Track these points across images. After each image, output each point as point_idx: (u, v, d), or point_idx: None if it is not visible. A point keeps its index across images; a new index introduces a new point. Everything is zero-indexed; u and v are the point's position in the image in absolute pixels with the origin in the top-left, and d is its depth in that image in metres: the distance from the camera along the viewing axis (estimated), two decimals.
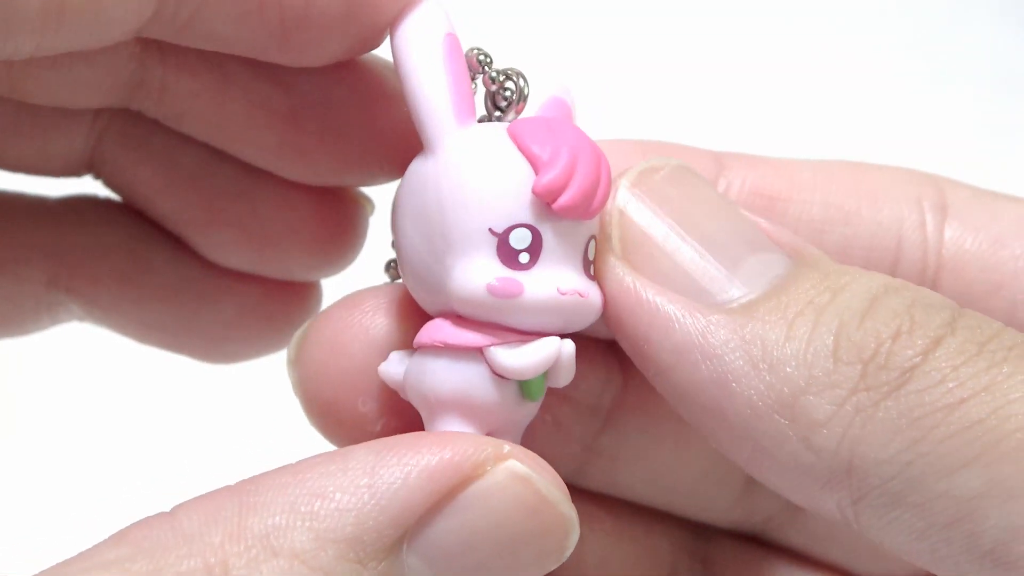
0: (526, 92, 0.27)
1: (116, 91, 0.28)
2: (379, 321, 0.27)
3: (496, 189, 0.25)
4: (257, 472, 0.23)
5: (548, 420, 0.29)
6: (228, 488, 0.23)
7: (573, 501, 0.24)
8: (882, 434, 0.21)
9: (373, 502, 0.22)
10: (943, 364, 0.22)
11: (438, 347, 0.25)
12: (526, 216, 0.25)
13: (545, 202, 0.24)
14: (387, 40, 0.26)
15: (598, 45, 0.68)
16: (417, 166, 0.26)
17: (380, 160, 0.29)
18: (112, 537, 0.22)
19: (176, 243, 0.31)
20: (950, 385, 0.21)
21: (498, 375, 0.25)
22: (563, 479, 0.24)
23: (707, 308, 0.23)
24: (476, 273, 0.24)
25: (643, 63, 0.67)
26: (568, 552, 0.24)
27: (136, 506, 0.24)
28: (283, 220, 0.30)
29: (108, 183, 0.31)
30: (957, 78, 0.68)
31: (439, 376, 0.25)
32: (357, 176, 0.29)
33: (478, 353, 0.25)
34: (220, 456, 0.53)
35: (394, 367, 0.26)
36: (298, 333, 0.27)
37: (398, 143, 0.28)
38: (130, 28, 0.24)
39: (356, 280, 0.30)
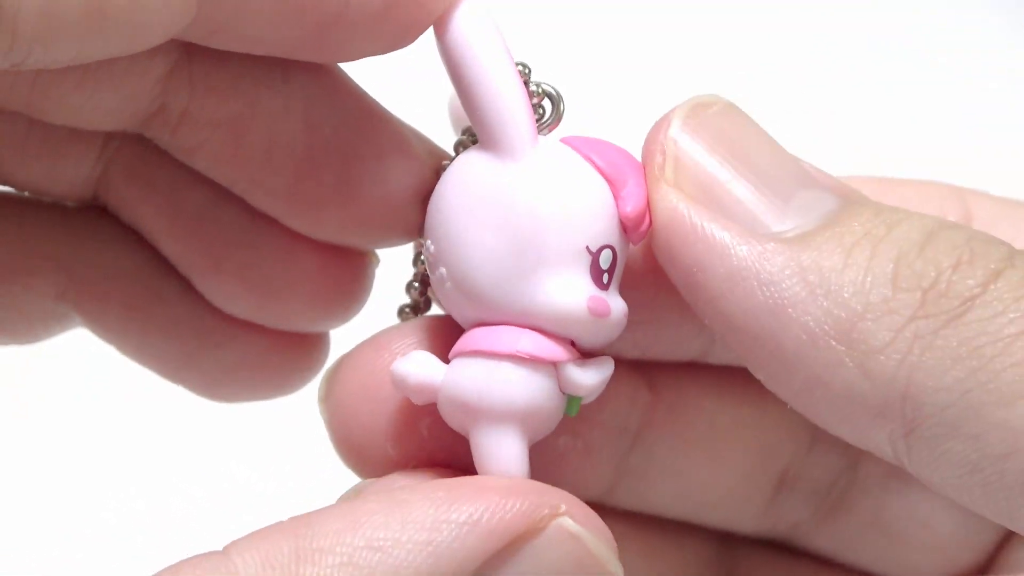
0: (563, 110, 0.27)
1: (134, 115, 0.27)
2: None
3: (593, 209, 0.25)
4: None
5: (580, 446, 0.29)
6: (281, 527, 0.22)
7: (604, 521, 0.24)
8: (941, 361, 0.21)
9: (432, 561, 0.22)
10: (1005, 295, 0.21)
11: (513, 357, 0.25)
12: (612, 237, 0.25)
13: (630, 226, 0.25)
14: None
15: (589, 45, 0.68)
16: (490, 172, 0.25)
17: (391, 224, 0.29)
18: (164, 574, 0.22)
19: (183, 279, 0.31)
20: (1012, 315, 0.21)
21: (559, 390, 0.25)
22: (594, 500, 0.24)
23: (762, 236, 0.23)
24: (575, 290, 0.25)
25: (642, 63, 0.67)
26: None
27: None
28: (286, 273, 0.30)
29: (114, 213, 0.31)
30: (957, 78, 0.69)
31: (515, 387, 0.25)
32: (363, 237, 0.29)
33: (552, 367, 0.25)
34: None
35: (424, 369, 0.25)
36: (327, 371, 0.28)
37: (412, 208, 0.28)
38: (171, 31, 0.23)
39: (362, 326, 0.30)
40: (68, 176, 0.29)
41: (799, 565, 0.31)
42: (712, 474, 0.30)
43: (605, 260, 0.25)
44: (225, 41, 0.25)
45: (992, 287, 0.22)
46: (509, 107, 0.25)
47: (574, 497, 0.24)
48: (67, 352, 0.51)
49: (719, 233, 0.23)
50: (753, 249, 0.23)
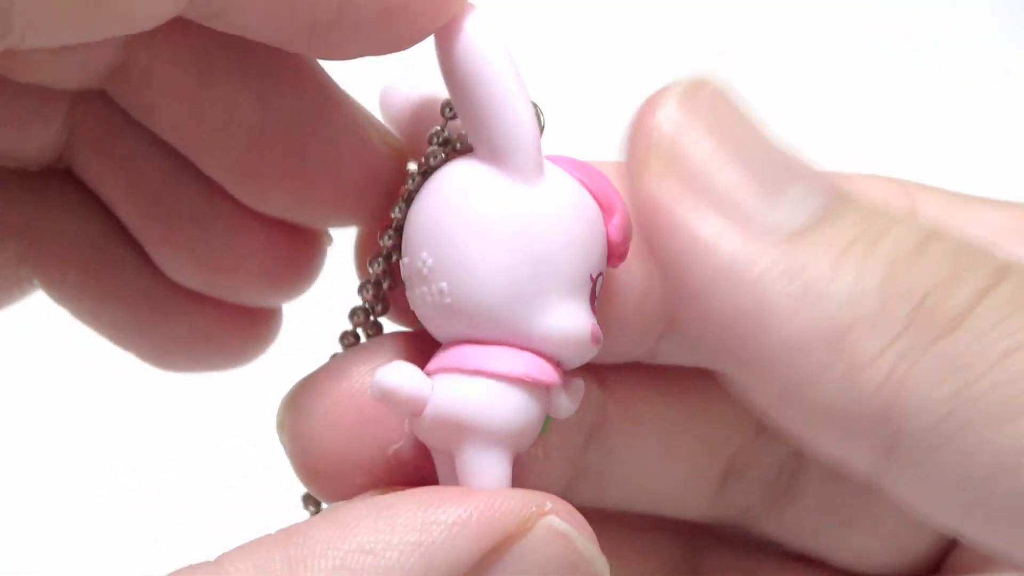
0: (543, 124, 0.26)
1: (98, 72, 0.27)
2: (366, 390, 0.26)
3: (597, 237, 0.25)
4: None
5: (539, 452, 0.29)
6: (273, 538, 0.23)
7: None
8: (928, 378, 0.21)
9: (424, 561, 0.22)
10: (995, 312, 0.21)
11: (514, 379, 0.24)
12: (604, 263, 0.25)
13: (615, 253, 0.25)
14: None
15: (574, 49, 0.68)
16: (504, 192, 0.25)
17: (340, 206, 0.29)
18: None
19: (139, 249, 0.31)
20: (1001, 333, 0.21)
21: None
22: None
23: (751, 234, 0.22)
24: (580, 317, 0.25)
25: (612, 62, 0.67)
26: None
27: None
28: (236, 247, 0.30)
29: (79, 178, 0.31)
30: (957, 78, 0.69)
31: (512, 408, 0.24)
32: (311, 216, 0.29)
33: (546, 391, 0.25)
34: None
35: (414, 381, 0.25)
36: (285, 398, 0.27)
37: (359, 193, 0.28)
38: (163, 18, 0.23)
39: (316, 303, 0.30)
40: (35, 142, 0.29)
41: (761, 555, 0.32)
42: (665, 466, 0.30)
43: (598, 286, 0.25)
44: (217, 27, 0.25)
45: (982, 303, 0.21)
46: (525, 127, 0.25)
47: (557, 497, 0.24)
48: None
49: (707, 229, 0.22)
50: (740, 247, 0.22)
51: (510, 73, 0.25)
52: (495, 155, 0.25)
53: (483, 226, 0.25)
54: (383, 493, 0.25)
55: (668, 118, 0.23)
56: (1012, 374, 0.20)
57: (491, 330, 0.25)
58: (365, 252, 0.29)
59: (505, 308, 0.24)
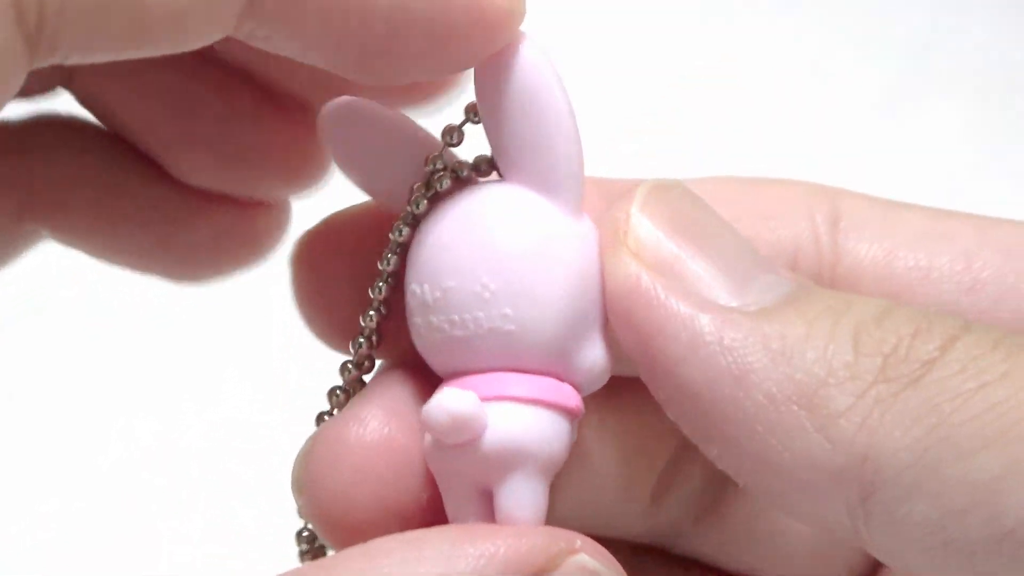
0: None
1: None
2: (396, 434, 0.26)
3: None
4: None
5: None
6: (301, 571, 0.23)
7: None
8: (900, 422, 0.21)
9: None
10: (962, 355, 0.22)
11: (564, 408, 0.25)
12: None
13: None
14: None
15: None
16: (559, 219, 0.25)
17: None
18: None
19: (146, 164, 0.31)
20: (969, 373, 0.21)
21: None
22: None
23: (723, 308, 0.23)
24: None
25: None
26: None
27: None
28: (253, 136, 0.30)
29: (80, 97, 0.31)
30: (957, 78, 0.67)
31: (565, 439, 0.25)
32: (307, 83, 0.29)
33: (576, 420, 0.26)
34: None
35: (477, 407, 0.24)
36: (300, 454, 0.27)
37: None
38: (211, 41, 0.23)
39: None
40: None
41: (698, 573, 0.32)
42: (595, 481, 0.30)
43: None
44: (264, 47, 0.25)
45: (950, 349, 0.22)
46: (578, 161, 0.25)
47: (585, 536, 0.24)
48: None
49: (681, 303, 0.23)
50: (716, 317, 0.23)
51: (568, 105, 0.25)
52: (544, 186, 0.25)
53: (549, 254, 0.25)
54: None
55: (637, 216, 0.24)
56: (979, 410, 0.21)
57: (534, 359, 0.25)
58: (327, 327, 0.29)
59: (562, 338, 0.25)
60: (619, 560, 0.31)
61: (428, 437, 0.25)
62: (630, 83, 0.66)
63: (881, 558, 0.23)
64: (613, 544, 0.30)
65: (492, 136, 0.26)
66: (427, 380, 0.26)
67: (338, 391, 0.28)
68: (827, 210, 0.29)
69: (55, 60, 0.22)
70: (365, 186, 0.27)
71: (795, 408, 0.22)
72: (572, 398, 0.25)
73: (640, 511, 0.30)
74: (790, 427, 0.22)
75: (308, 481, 0.26)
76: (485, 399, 0.24)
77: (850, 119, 0.67)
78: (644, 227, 0.24)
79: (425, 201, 0.26)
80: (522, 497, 0.25)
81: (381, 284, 0.27)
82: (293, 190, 0.31)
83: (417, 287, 0.25)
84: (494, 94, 0.25)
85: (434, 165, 0.26)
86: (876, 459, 0.21)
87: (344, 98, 0.26)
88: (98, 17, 0.21)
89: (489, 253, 0.25)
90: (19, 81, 0.22)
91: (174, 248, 0.31)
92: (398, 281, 0.26)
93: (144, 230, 0.31)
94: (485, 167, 0.26)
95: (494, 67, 0.25)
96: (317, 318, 0.28)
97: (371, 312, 0.27)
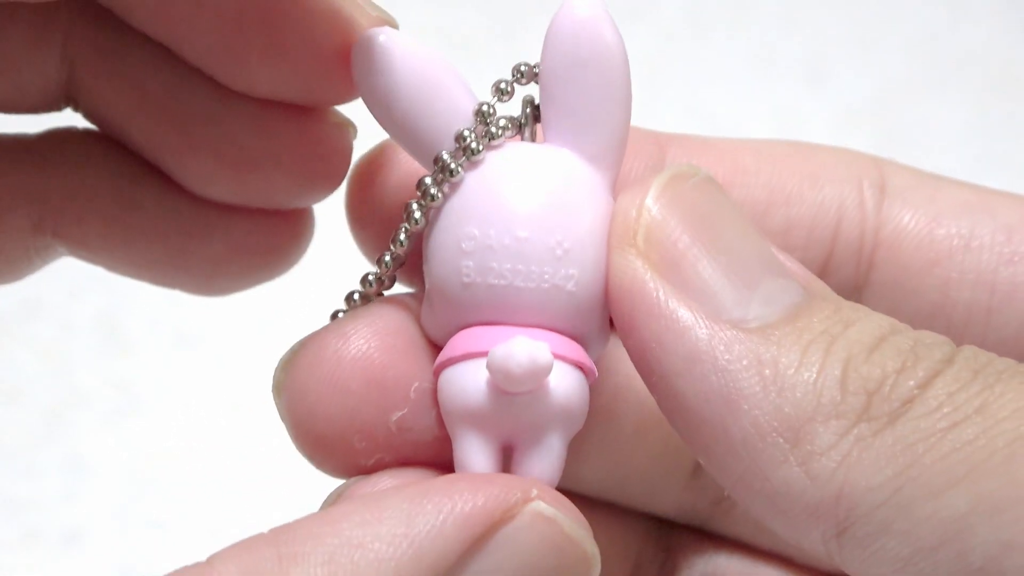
0: None
1: None
2: (375, 353, 0.26)
3: None
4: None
5: None
6: (262, 537, 0.23)
7: None
8: (875, 462, 0.22)
9: (411, 551, 0.22)
10: (940, 392, 0.22)
11: (592, 372, 0.26)
12: None
13: None
14: None
15: None
16: (605, 188, 0.26)
17: (317, 77, 0.28)
18: None
19: (161, 178, 0.30)
20: (945, 411, 0.22)
21: None
22: None
23: (724, 323, 0.23)
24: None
25: None
26: None
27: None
28: (260, 144, 0.29)
29: (86, 114, 0.31)
30: (956, 78, 0.68)
31: (585, 395, 0.26)
32: (295, 90, 0.29)
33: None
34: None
35: (549, 358, 0.25)
36: (283, 359, 0.27)
37: (340, 63, 0.28)
38: None
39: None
40: (37, 85, 0.29)
41: (731, 549, 0.32)
42: (633, 454, 0.30)
43: None
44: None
45: (930, 386, 0.22)
46: (626, 144, 0.27)
47: (542, 483, 0.24)
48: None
49: (682, 313, 0.23)
50: (714, 334, 0.23)
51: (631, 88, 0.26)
52: (594, 158, 0.26)
53: (606, 226, 0.26)
54: (398, 474, 0.26)
55: (649, 209, 0.24)
56: (950, 448, 0.21)
57: (573, 321, 0.26)
58: (365, 231, 0.29)
59: (603, 306, 0.26)
60: (648, 534, 0.31)
61: (457, 381, 0.25)
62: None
63: None
64: (644, 520, 0.31)
65: (550, 98, 0.26)
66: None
67: (356, 295, 0.28)
68: (874, 177, 0.29)
69: None
70: (394, 130, 0.27)
71: (780, 441, 0.22)
72: (593, 365, 0.26)
73: (679, 485, 0.30)
74: (773, 458, 0.22)
75: (285, 385, 0.27)
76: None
77: (850, 119, 0.66)
78: (655, 222, 0.24)
79: (463, 156, 0.26)
80: (554, 455, 0.26)
81: (418, 215, 0.27)
82: (309, 197, 0.30)
83: (476, 230, 0.25)
84: (565, 58, 0.26)
85: (488, 115, 0.26)
86: (850, 497, 0.22)
87: (383, 28, 0.26)
88: None
89: (567, 215, 0.25)
90: None
91: (191, 261, 0.31)
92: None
93: (160, 244, 0.31)
94: (532, 112, 0.27)
95: (568, 33, 0.25)
96: (364, 237, 0.29)
97: (401, 237, 0.27)
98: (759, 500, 0.23)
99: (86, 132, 0.31)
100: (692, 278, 0.24)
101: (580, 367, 0.26)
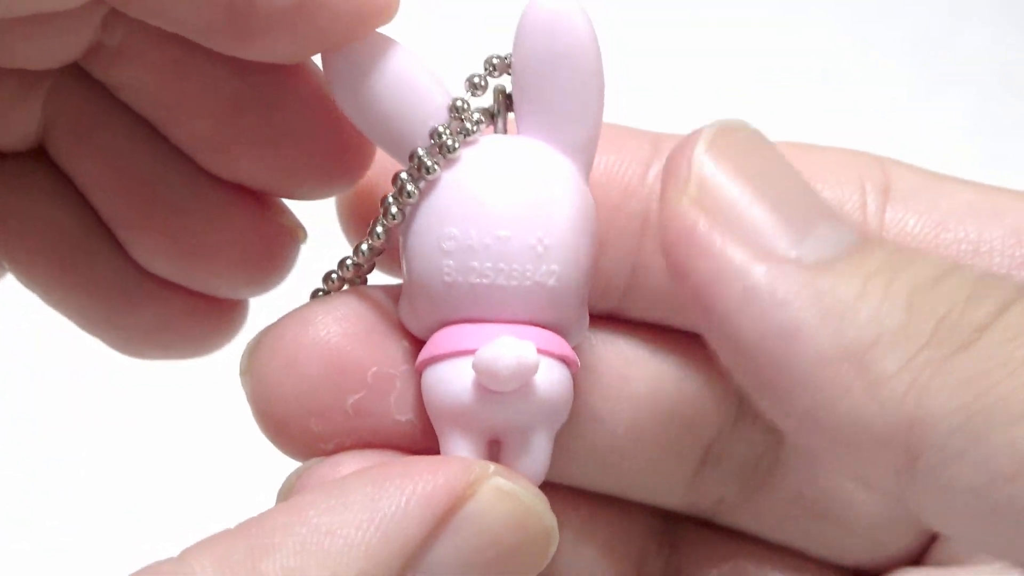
0: None
1: (72, 51, 0.28)
2: (334, 338, 0.27)
3: None
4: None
5: None
6: (233, 531, 0.23)
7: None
8: (948, 387, 0.21)
9: (379, 534, 0.23)
10: (1012, 326, 0.21)
11: (572, 363, 0.26)
12: None
13: None
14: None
15: None
16: (582, 182, 0.27)
17: (308, 172, 0.29)
18: None
19: (112, 239, 0.31)
20: (1018, 344, 0.21)
21: None
22: None
23: (780, 258, 0.23)
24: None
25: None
26: (549, 558, 0.25)
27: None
28: (213, 235, 0.30)
29: (56, 163, 0.31)
30: (956, 78, 0.68)
31: (569, 390, 0.26)
32: (283, 184, 0.30)
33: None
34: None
35: (536, 356, 0.25)
36: (249, 344, 0.28)
37: (331, 158, 0.28)
38: (77, 4, 0.24)
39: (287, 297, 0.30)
40: (17, 128, 0.30)
41: (737, 544, 0.32)
42: (633, 448, 0.30)
43: None
44: (139, 12, 0.25)
45: (1001, 318, 0.21)
46: (599, 125, 0.27)
47: (498, 464, 0.25)
48: None
49: (737, 252, 0.23)
50: (770, 269, 0.22)
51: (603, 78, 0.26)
52: (569, 149, 0.26)
53: (588, 219, 0.26)
54: (357, 456, 0.27)
55: (700, 159, 0.24)
56: None
57: (554, 315, 0.26)
58: (354, 218, 0.30)
59: (584, 300, 0.27)
60: (659, 528, 0.31)
61: (443, 379, 0.25)
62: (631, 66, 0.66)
63: (927, 523, 0.22)
64: (650, 512, 0.31)
65: (524, 91, 0.26)
66: (392, 306, 0.27)
67: (334, 275, 0.28)
68: (877, 178, 0.29)
69: None
70: (369, 129, 0.27)
71: (845, 367, 0.21)
72: (576, 356, 0.26)
73: (685, 479, 0.30)
74: (839, 387, 0.22)
75: (249, 368, 0.27)
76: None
77: (850, 119, 0.66)
78: (708, 169, 0.24)
79: (437, 151, 0.26)
80: (541, 450, 0.26)
81: (395, 210, 0.27)
82: (245, 291, 0.31)
83: (457, 230, 0.25)
84: (537, 52, 0.26)
85: (462, 111, 0.26)
86: (922, 423, 0.21)
87: (351, 44, 0.26)
88: None
89: (546, 211, 0.26)
90: None
91: (121, 324, 0.31)
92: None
93: (96, 298, 0.31)
94: (504, 102, 0.27)
95: (541, 26, 0.25)
96: (354, 229, 0.29)
97: (378, 230, 0.27)
98: (827, 436, 0.22)
99: (56, 169, 0.31)
100: (747, 221, 0.23)
101: (564, 360, 0.26)
